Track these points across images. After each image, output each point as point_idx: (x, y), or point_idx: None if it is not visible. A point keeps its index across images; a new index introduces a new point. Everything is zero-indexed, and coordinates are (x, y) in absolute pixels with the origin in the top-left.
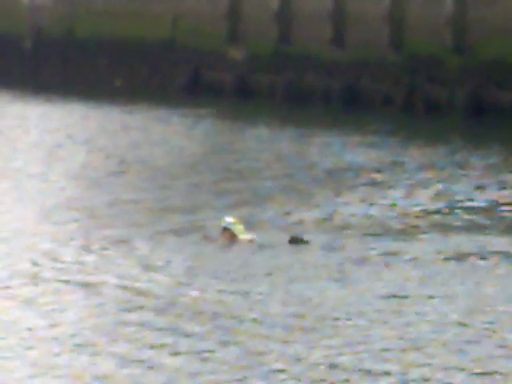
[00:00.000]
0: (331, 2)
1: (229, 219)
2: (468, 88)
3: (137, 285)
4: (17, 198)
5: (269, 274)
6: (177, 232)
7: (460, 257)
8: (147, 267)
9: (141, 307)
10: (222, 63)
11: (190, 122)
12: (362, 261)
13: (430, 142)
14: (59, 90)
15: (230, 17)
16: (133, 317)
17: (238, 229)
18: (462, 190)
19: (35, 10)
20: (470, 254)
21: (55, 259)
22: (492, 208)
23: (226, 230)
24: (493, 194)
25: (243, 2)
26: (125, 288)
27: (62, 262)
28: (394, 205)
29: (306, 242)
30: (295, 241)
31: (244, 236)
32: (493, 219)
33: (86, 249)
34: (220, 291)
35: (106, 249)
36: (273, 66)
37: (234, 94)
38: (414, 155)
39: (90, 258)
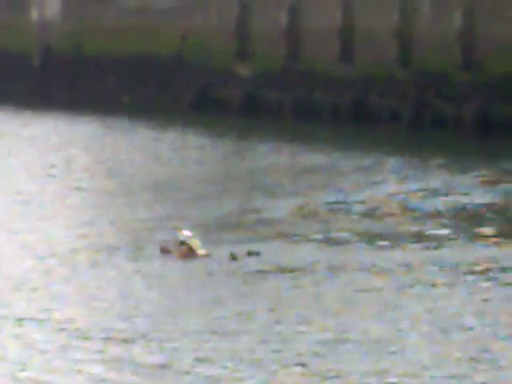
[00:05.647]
0: (340, 18)
1: (186, 233)
2: (476, 104)
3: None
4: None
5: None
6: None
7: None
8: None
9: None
10: (230, 80)
11: (189, 138)
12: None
13: (435, 157)
14: (68, 107)
15: (238, 33)
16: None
17: (195, 243)
18: (463, 203)
19: (44, 27)
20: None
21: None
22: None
23: (183, 244)
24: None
25: (252, 19)
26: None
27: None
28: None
29: (258, 254)
30: (251, 254)
31: (201, 251)
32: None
33: (36, 261)
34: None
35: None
36: (281, 82)
37: (242, 111)
38: (416, 170)
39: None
